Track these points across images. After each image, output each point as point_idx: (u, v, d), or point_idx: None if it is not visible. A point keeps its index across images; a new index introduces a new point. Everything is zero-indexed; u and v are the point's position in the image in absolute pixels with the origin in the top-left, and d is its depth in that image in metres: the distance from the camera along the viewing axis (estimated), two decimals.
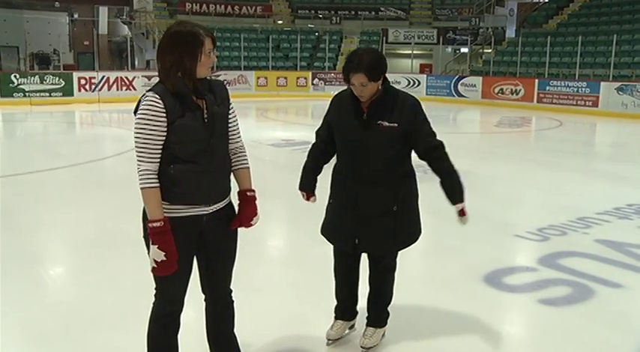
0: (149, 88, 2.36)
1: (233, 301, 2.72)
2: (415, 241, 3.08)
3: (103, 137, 12.77)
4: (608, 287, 4.13)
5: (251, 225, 2.63)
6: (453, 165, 2.92)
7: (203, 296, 2.67)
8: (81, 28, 26.78)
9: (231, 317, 2.73)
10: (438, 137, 2.93)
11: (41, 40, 25.05)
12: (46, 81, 18.77)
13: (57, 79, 19.01)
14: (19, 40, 24.12)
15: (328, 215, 3.15)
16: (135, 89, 19.11)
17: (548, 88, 18.98)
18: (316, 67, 25.12)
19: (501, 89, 20.21)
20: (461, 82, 21.39)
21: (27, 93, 18.36)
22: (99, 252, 4.80)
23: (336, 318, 3.25)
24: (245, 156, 2.64)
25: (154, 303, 2.52)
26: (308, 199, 3.14)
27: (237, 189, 2.62)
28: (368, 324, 3.20)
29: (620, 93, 16.97)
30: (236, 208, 2.62)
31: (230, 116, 2.51)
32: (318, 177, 3.12)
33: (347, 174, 2.98)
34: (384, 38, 26.63)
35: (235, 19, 26.80)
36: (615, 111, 16.81)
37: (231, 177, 2.58)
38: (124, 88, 19.45)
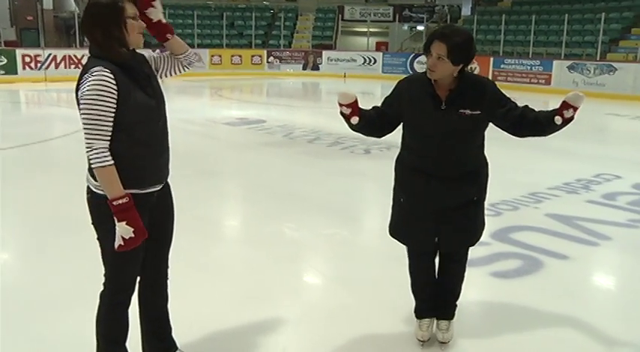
0: (90, 65, 2.21)
1: (168, 278, 2.68)
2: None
3: (51, 117, 12.34)
4: (556, 259, 4.24)
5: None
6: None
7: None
8: (23, 2, 25.47)
9: (167, 296, 2.70)
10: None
11: None
12: None
13: None
14: None
15: (398, 215, 2.91)
16: None
17: (502, 65, 19.28)
18: (271, 44, 24.84)
19: None
20: (417, 59, 21.47)
21: None
22: (49, 233, 4.66)
23: (421, 317, 3.04)
24: None
25: (104, 292, 2.44)
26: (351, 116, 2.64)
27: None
28: (441, 318, 3.03)
29: (572, 71, 17.38)
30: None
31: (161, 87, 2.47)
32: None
33: (423, 167, 2.74)
34: (340, 15, 26.50)
35: None
36: (567, 88, 17.14)
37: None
38: (73, 66, 18.75)
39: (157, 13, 2.38)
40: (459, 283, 3.03)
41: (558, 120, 2.54)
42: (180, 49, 2.53)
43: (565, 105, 2.52)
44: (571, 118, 2.55)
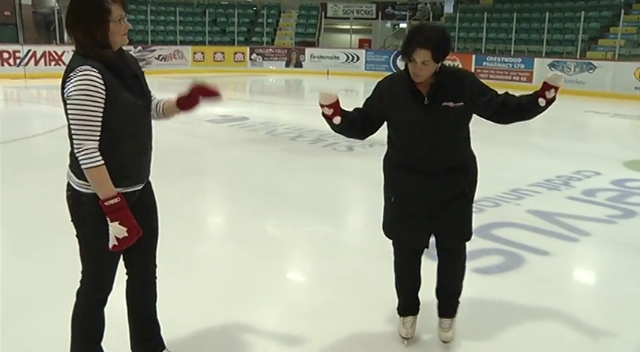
0: (76, 64, 2.17)
1: (157, 278, 2.65)
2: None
3: (31, 114, 12.19)
4: (537, 255, 4.29)
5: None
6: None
7: (125, 277, 2.57)
8: None
9: (155, 295, 2.67)
10: None
11: None
12: None
13: None
14: None
15: (390, 214, 2.89)
16: (65, 64, 17.95)
17: (484, 63, 19.41)
18: (254, 42, 24.73)
19: None
20: (400, 57, 21.54)
21: None
22: (30, 231, 4.62)
23: (405, 315, 3.04)
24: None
25: (82, 290, 2.42)
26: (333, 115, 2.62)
27: (176, 102, 2.51)
28: (443, 316, 3.02)
29: (553, 69, 17.52)
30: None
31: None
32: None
33: (411, 164, 2.74)
34: (323, 13, 26.47)
35: None
36: None
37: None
38: (53, 63, 18.49)
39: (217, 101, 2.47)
40: (459, 280, 3.02)
41: (542, 102, 2.56)
42: (169, 116, 2.55)
43: (546, 87, 2.54)
44: (553, 98, 2.56)
